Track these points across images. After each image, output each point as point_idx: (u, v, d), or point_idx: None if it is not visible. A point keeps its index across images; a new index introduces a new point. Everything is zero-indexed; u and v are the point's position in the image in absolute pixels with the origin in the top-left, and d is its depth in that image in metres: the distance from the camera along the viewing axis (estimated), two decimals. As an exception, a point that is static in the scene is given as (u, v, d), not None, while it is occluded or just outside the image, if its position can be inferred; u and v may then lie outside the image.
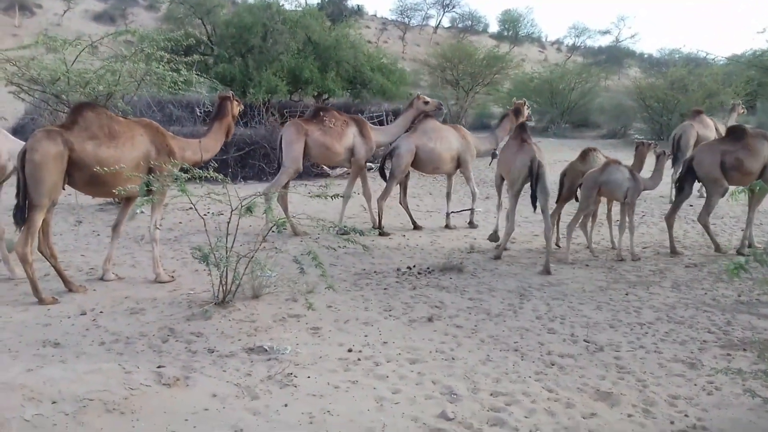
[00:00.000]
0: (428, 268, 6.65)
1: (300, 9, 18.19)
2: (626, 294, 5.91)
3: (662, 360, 4.37)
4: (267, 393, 3.68)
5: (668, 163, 8.34)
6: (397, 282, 6.18)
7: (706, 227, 7.58)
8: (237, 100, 6.53)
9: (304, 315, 5.02)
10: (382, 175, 9.01)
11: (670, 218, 7.66)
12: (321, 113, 8.49)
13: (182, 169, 5.26)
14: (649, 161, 7.73)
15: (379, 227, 8.40)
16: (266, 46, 16.32)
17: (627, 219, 7.25)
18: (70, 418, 3.24)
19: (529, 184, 7.06)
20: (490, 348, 4.57)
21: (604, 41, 44.65)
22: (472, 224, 9.19)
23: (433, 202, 11.05)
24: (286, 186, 8.11)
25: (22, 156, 5.08)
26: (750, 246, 7.36)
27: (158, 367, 3.94)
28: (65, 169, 5.15)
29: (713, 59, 20.77)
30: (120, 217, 5.96)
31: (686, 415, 3.57)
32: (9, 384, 3.54)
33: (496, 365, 4.25)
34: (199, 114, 15.12)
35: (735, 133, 7.62)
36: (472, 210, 9.31)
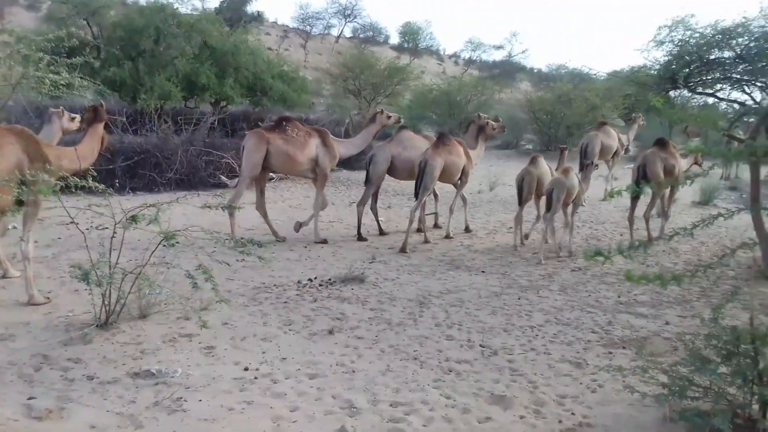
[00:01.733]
0: (330, 280, 6.58)
1: (196, 13, 17.57)
2: (519, 298, 6.16)
3: (551, 361, 4.57)
4: (153, 420, 3.44)
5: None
6: (297, 295, 6.05)
7: (646, 221, 8.73)
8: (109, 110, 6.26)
9: (197, 334, 4.77)
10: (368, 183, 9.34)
11: (630, 217, 8.69)
12: (284, 123, 8.62)
13: (60, 179, 4.86)
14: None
15: (358, 233, 8.92)
16: (159, 50, 15.59)
17: (570, 220, 8.36)
18: None
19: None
20: (391, 358, 4.57)
21: (498, 56, 46.85)
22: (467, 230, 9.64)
23: (335, 212, 10.99)
24: (242, 195, 8.33)
25: None
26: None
27: (29, 398, 3.58)
28: None
29: (595, 75, 22.34)
30: None
31: (573, 414, 3.74)
32: None
33: (396, 375, 4.25)
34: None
35: (662, 143, 8.80)
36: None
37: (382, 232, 9.31)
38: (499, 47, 46.88)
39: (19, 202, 5.10)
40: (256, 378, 4.09)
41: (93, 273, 4.62)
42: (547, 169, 8.77)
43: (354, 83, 21.74)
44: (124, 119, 13.44)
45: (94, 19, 17.48)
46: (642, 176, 8.40)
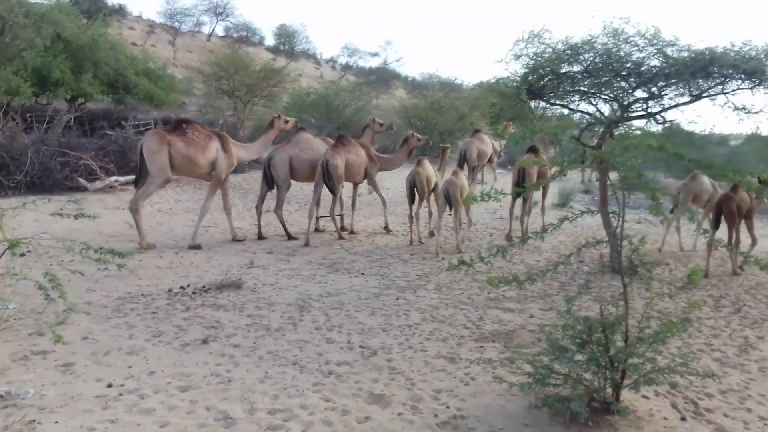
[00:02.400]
0: (204, 287, 6.31)
1: (47, 2, 16.02)
2: (397, 298, 6.30)
3: (427, 357, 4.72)
4: (0, 449, 3.08)
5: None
6: (168, 304, 5.72)
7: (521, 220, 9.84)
8: None
9: (52, 350, 4.35)
10: (269, 185, 9.35)
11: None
12: (183, 125, 8.52)
13: None
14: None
15: (287, 233, 9.18)
16: (4, 41, 14.00)
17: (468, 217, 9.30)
18: None
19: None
20: (269, 365, 4.47)
21: (374, 62, 47.63)
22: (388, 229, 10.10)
23: (210, 216, 10.55)
24: (149, 195, 8.25)
25: None
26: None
27: None
28: None
29: (463, 84, 23.57)
30: None
31: (448, 407, 3.89)
32: None
33: (274, 382, 4.16)
34: None
35: (534, 150, 10.03)
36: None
37: (261, 236, 9.15)
38: (375, 54, 47.64)
39: None
40: (121, 394, 3.81)
41: None
42: (432, 170, 9.43)
43: (228, 83, 20.96)
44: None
45: None
46: (522, 179, 9.15)
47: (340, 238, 9.40)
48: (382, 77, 43.67)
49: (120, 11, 33.45)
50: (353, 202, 10.32)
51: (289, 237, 9.16)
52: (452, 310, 5.96)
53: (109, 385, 3.91)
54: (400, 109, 24.41)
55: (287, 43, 43.53)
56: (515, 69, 8.25)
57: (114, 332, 4.89)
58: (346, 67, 47.98)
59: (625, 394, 3.82)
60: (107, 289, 6.05)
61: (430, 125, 22.25)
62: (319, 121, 23.40)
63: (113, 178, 11.92)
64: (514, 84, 8.32)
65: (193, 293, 6.11)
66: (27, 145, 11.40)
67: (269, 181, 9.21)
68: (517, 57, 7.90)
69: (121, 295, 5.90)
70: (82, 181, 11.40)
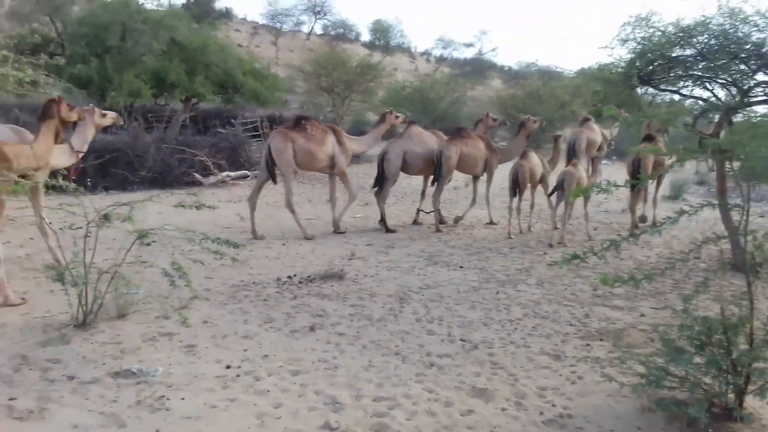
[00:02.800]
0: (309, 277, 6.58)
1: (162, 9, 17.26)
2: (497, 293, 6.24)
3: (530, 354, 4.65)
4: (136, 419, 3.40)
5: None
6: (277, 292, 6.03)
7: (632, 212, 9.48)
8: (72, 106, 6.01)
9: (177, 333, 4.72)
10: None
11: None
12: (302, 121, 9.03)
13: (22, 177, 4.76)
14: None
15: (384, 225, 9.32)
16: (126, 47, 15.27)
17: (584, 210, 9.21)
18: None
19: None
20: (372, 353, 4.59)
21: (469, 53, 47.05)
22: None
23: (313, 209, 10.98)
24: (292, 191, 8.91)
25: None
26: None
27: (10, 399, 3.51)
28: None
29: (564, 72, 22.68)
30: None
31: (554, 405, 3.82)
32: None
33: (378, 370, 4.28)
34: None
35: (650, 138, 9.53)
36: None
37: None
38: (470, 45, 47.20)
39: None
40: (238, 375, 4.07)
41: (68, 273, 4.54)
42: (538, 161, 9.30)
43: (327, 80, 21.61)
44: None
45: (57, 16, 17.06)
46: (636, 170, 8.76)
47: (438, 231, 9.41)
48: (478, 68, 43.07)
49: (226, 14, 35.32)
50: (473, 197, 10.27)
51: (387, 230, 9.30)
52: (555, 306, 5.82)
53: (228, 367, 4.20)
54: (496, 100, 24.00)
55: (382, 38, 44.00)
56: (621, 54, 7.85)
57: (230, 317, 5.23)
58: (441, 59, 47.75)
59: (749, 401, 3.56)
60: (223, 277, 6.47)
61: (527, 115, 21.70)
62: (415, 114, 23.50)
63: (225, 174, 12.68)
64: (620, 70, 7.94)
65: (300, 282, 6.39)
66: (149, 143, 12.39)
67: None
68: (623, 42, 7.52)
69: (235, 283, 6.29)
70: (197, 176, 12.24)
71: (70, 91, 13.37)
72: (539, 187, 9.69)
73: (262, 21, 42.42)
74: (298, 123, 9.06)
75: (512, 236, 9.02)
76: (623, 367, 3.74)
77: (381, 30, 43.46)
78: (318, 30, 44.57)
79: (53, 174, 5.43)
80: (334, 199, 9.45)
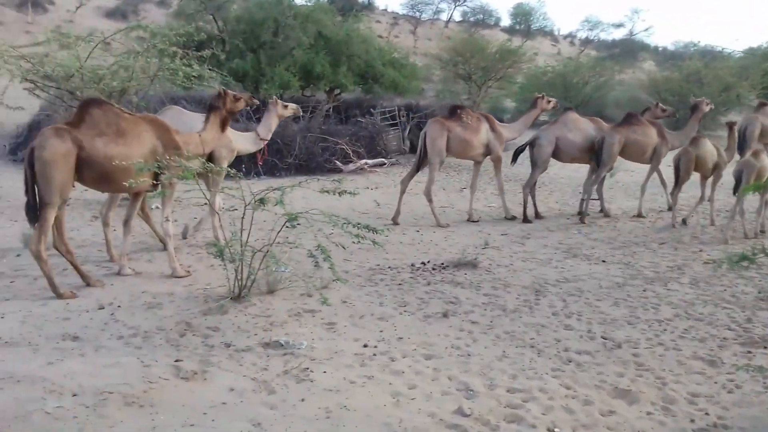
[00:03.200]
0: (442, 264, 6.63)
1: (310, 4, 18.15)
2: (644, 290, 5.85)
3: (681, 357, 4.32)
4: (284, 387, 3.69)
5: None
6: (411, 277, 6.16)
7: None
8: (236, 97, 6.43)
9: (319, 310, 5.02)
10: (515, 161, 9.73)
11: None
12: (458, 110, 9.20)
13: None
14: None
15: (524, 215, 9.19)
16: (278, 42, 16.29)
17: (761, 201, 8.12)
18: (90, 411, 3.26)
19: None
20: (506, 344, 4.54)
21: (618, 34, 44.09)
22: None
23: (446, 197, 11.01)
24: (434, 181, 8.99)
25: (30, 154, 5.07)
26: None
27: (176, 361, 3.96)
28: (74, 166, 5.13)
29: (729, 53, 20.46)
30: (129, 212, 5.96)
31: (707, 413, 3.52)
32: (30, 377, 3.57)
33: (512, 361, 4.22)
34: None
35: None
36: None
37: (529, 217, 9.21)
38: (619, 25, 44.27)
39: (154, 185, 5.60)
40: (374, 355, 4.23)
41: (227, 251, 5.00)
42: (711, 148, 8.63)
43: (464, 68, 21.38)
44: (249, 108, 14.23)
45: (219, 14, 18.58)
46: None
47: (582, 222, 9.00)
48: (628, 49, 40.22)
49: (368, 6, 36.26)
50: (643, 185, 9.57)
51: (525, 219, 9.08)
52: (712, 308, 5.33)
53: (365, 345, 4.38)
54: (649, 83, 22.22)
55: (523, 22, 42.63)
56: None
57: (367, 299, 5.44)
58: (586, 42, 45.26)
59: None
60: (360, 260, 6.74)
61: (684, 99, 19.85)
62: (557, 100, 22.55)
63: (363, 161, 13.14)
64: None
65: (433, 269, 6.47)
66: (296, 132, 13.17)
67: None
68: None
69: (371, 266, 6.53)
70: (338, 163, 12.80)
71: (227, 85, 14.57)
72: (710, 179, 8.84)
73: (402, 11, 43.03)
74: (454, 112, 9.19)
75: (675, 226, 8.53)
76: (792, 379, 3.34)
77: (522, 14, 42.11)
78: (457, 17, 44.28)
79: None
80: (475, 186, 9.46)
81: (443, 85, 23.45)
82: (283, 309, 5.03)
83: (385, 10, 44.33)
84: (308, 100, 16.79)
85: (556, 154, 9.42)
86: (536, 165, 9.35)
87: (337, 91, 17.31)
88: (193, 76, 9.63)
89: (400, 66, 17.82)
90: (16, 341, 4.17)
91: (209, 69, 10.29)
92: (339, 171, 12.55)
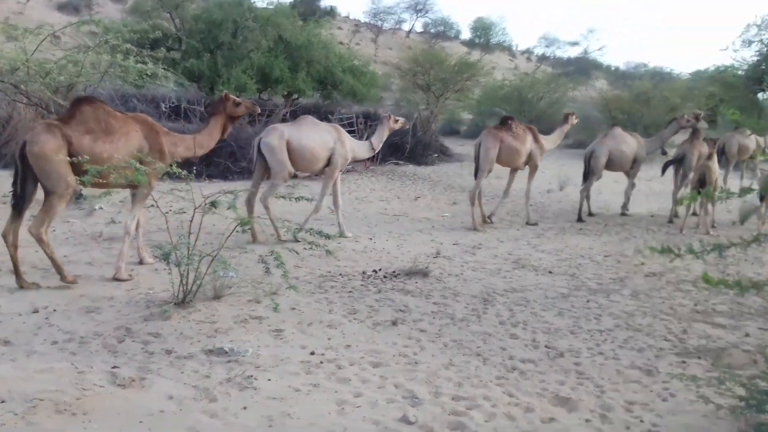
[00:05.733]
0: (394, 272, 6.65)
1: (272, 7, 18.02)
2: (587, 301, 6.00)
3: (620, 366, 4.44)
4: (226, 395, 3.61)
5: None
6: (362, 285, 6.15)
7: None
8: (238, 102, 6.60)
9: (266, 317, 4.94)
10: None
11: None
12: (509, 122, 9.82)
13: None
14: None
15: (578, 215, 10.45)
16: (236, 43, 16.10)
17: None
18: (18, 418, 3.12)
19: None
20: (453, 352, 4.58)
21: (573, 52, 45.38)
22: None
23: (400, 206, 11.06)
24: (480, 187, 9.65)
25: (22, 148, 5.21)
26: None
27: (113, 367, 3.83)
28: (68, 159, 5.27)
29: (677, 74, 21.38)
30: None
31: (642, 421, 3.63)
32: (-47, 383, 3.39)
33: (458, 369, 4.26)
34: (164, 110, 14.81)
35: None
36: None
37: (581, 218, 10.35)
38: (575, 44, 45.70)
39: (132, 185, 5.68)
40: (321, 362, 4.20)
41: (173, 254, 4.88)
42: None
43: (423, 78, 21.61)
44: (203, 109, 14.00)
45: (176, 12, 18.24)
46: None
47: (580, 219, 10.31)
48: (582, 67, 41.47)
49: (331, 12, 36.25)
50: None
51: (579, 219, 10.32)
52: (650, 319, 5.51)
53: (312, 353, 4.34)
54: (600, 101, 22.94)
55: (483, 36, 43.42)
56: (744, 57, 7.31)
57: (316, 306, 5.40)
58: (543, 58, 46.44)
59: None
60: (311, 267, 6.69)
61: (633, 118, 20.61)
62: (511, 113, 23.01)
63: (318, 167, 13.04)
64: (741, 73, 7.37)
65: (384, 277, 6.47)
66: (251, 135, 12.98)
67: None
68: (748, 43, 7.00)
69: (322, 273, 6.48)
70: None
71: (182, 85, 14.29)
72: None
73: (364, 19, 43.22)
74: (505, 123, 9.82)
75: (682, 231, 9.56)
76: (722, 388, 3.48)
77: (482, 28, 42.94)
78: (418, 28, 44.81)
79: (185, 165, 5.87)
80: (509, 192, 10.25)
81: (402, 95, 23.62)
82: (229, 315, 4.93)
83: (348, 17, 44.44)
84: (265, 104, 16.63)
85: (608, 165, 10.73)
86: (593, 173, 10.64)
87: (295, 96, 17.21)
88: (147, 74, 9.42)
89: (360, 73, 17.86)
90: (-60, 345, 3.96)
91: (163, 68, 10.08)
92: (295, 177, 12.43)
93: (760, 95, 8.07)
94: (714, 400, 3.53)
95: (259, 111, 7.40)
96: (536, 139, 9.96)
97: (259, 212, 7.56)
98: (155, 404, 3.42)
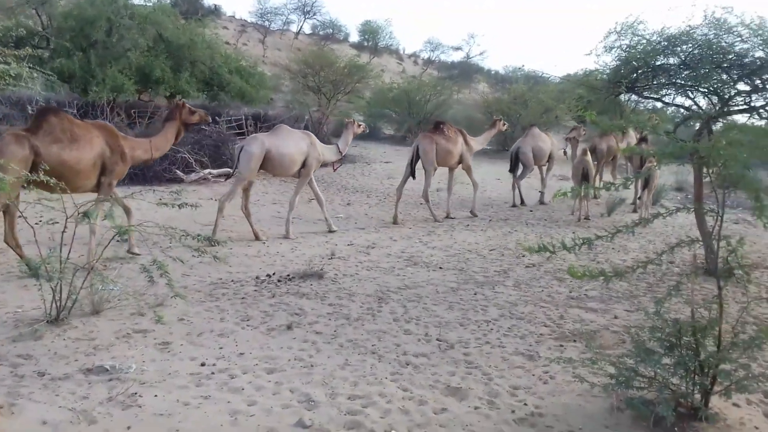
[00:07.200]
0: (288, 275, 6.58)
1: (150, 4, 17.15)
2: (475, 294, 6.29)
3: (505, 354, 4.70)
4: (107, 416, 3.39)
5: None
6: (255, 291, 6.02)
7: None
8: (193, 110, 7.17)
9: (152, 330, 4.70)
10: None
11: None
12: (441, 125, 10.74)
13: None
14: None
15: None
16: (111, 42, 15.16)
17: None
18: None
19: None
20: (349, 352, 4.61)
21: (457, 57, 47.20)
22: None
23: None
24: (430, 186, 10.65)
25: None
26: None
27: (-24, 396, 3.46)
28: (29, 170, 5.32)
29: (549, 78, 22.86)
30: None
31: (525, 404, 3.86)
32: None
33: (354, 369, 4.29)
34: (31, 112, 13.60)
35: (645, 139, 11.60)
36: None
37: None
38: (458, 48, 47.35)
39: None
40: (213, 373, 4.06)
41: (43, 268, 4.50)
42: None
43: (314, 80, 21.56)
44: (75, 111, 13.02)
45: (43, 9, 16.86)
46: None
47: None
48: (465, 71, 43.23)
49: (215, 12, 35.13)
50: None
51: (541, 202, 12.24)
52: (531, 308, 5.88)
53: (202, 364, 4.19)
54: (482, 103, 24.08)
55: (371, 39, 44.01)
56: (606, 61, 7.95)
57: (207, 315, 5.21)
58: (429, 62, 47.86)
59: (715, 401, 3.64)
60: (201, 274, 6.45)
61: (512, 119, 21.84)
62: (401, 115, 23.56)
63: (207, 171, 12.61)
64: (604, 77, 8.03)
65: (279, 281, 6.39)
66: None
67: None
68: (609, 49, 7.62)
69: (213, 280, 6.27)
70: (179, 173, 12.15)
71: (52, 85, 13.21)
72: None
73: (250, 19, 42.26)
74: (438, 127, 10.70)
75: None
76: (594, 367, 3.79)
77: (370, 31, 43.49)
78: (307, 30, 44.48)
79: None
80: (451, 189, 11.18)
81: (293, 96, 23.41)
82: (109, 330, 4.63)
83: (233, 16, 43.19)
84: (146, 105, 15.80)
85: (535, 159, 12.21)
86: (526, 166, 12.21)
87: (179, 97, 16.46)
88: (9, 76, 8.61)
89: (248, 75, 17.49)
90: None
91: (30, 68, 9.25)
92: (180, 181, 11.91)
93: (621, 97, 8.80)
94: (588, 379, 3.83)
95: (210, 120, 7.96)
96: (466, 141, 10.85)
97: (148, 218, 7.16)
98: (27, 431, 3.14)
